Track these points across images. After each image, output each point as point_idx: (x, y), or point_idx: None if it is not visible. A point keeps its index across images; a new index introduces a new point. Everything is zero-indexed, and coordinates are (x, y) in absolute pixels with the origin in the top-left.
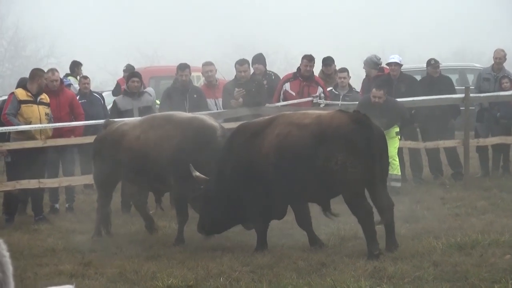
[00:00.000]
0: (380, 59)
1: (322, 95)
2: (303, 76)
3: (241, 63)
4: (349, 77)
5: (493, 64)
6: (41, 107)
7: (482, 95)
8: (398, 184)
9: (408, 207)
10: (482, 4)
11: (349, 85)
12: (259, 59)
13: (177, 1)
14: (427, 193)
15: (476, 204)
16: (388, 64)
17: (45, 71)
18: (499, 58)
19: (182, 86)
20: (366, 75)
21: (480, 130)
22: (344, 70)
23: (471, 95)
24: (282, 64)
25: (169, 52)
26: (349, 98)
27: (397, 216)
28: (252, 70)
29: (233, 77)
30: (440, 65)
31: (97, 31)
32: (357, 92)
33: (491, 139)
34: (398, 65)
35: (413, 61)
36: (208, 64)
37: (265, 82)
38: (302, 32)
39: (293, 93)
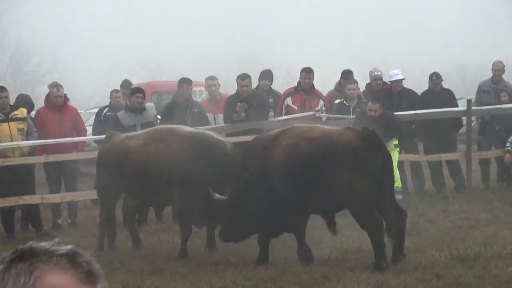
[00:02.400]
0: (380, 72)
1: (324, 108)
2: (304, 89)
3: (243, 77)
4: (359, 89)
5: (492, 77)
6: (13, 123)
7: (483, 108)
8: (400, 197)
9: (411, 220)
10: (482, 17)
11: (359, 97)
12: (267, 75)
13: (180, 16)
14: (429, 206)
15: (478, 217)
16: (391, 81)
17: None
18: (498, 70)
19: (183, 101)
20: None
21: (483, 143)
22: (353, 82)
23: (473, 108)
24: (285, 79)
25: (172, 67)
26: (359, 110)
27: None
28: (254, 85)
29: (235, 92)
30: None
31: (99, 46)
32: (367, 103)
33: (493, 152)
34: (400, 80)
35: (415, 74)
36: (211, 78)
37: (271, 99)
38: (304, 46)
39: (295, 107)
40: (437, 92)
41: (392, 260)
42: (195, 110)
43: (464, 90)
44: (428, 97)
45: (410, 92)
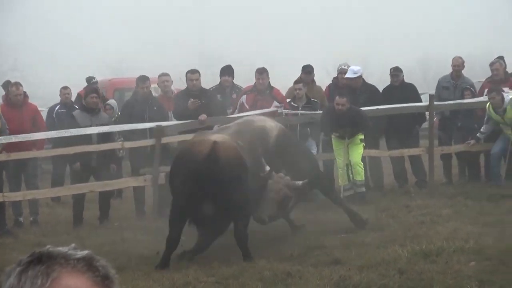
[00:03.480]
0: (347, 66)
1: (282, 108)
2: (258, 89)
3: (192, 71)
4: (305, 89)
5: (451, 72)
6: None
7: (446, 102)
8: (363, 189)
9: (373, 216)
10: (444, 11)
11: (307, 96)
12: (228, 70)
13: (142, 13)
14: (392, 201)
15: (441, 212)
16: (346, 78)
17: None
18: (458, 65)
19: (142, 98)
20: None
21: (443, 138)
22: (299, 81)
23: (435, 103)
24: (248, 74)
25: (135, 64)
26: (308, 109)
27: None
28: (216, 82)
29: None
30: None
31: (62, 43)
32: (316, 102)
33: (456, 146)
34: (356, 78)
35: (377, 70)
36: (164, 74)
37: (234, 95)
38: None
39: (247, 106)
40: (399, 87)
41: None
42: (155, 107)
43: (426, 85)
44: (390, 92)
45: (370, 88)
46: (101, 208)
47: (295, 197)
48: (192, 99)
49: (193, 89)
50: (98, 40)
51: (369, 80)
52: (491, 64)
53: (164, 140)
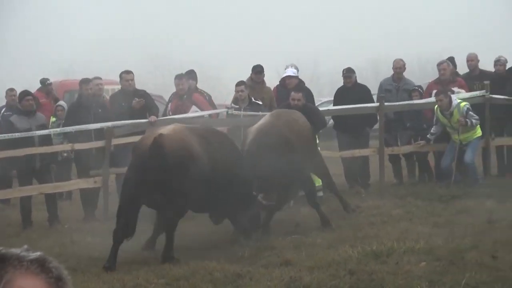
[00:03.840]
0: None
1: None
2: (179, 95)
3: (127, 72)
4: (247, 90)
5: (393, 74)
6: None
7: (396, 103)
8: (320, 194)
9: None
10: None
11: (249, 97)
12: (191, 75)
13: (94, 14)
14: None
15: (391, 212)
16: (283, 77)
17: None
18: (399, 68)
19: (86, 101)
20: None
21: (389, 140)
22: (241, 83)
23: (385, 104)
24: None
25: (85, 65)
26: (250, 111)
27: (312, 226)
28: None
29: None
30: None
31: (13, 44)
32: (259, 103)
33: (406, 147)
34: (293, 77)
35: (328, 71)
36: (127, 72)
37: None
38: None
39: (171, 113)
40: (352, 88)
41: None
42: (99, 109)
43: (377, 86)
44: (343, 93)
45: (362, 88)
46: (49, 210)
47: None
48: (137, 99)
49: (129, 89)
50: (49, 42)
51: (321, 80)
52: (439, 64)
53: (114, 141)
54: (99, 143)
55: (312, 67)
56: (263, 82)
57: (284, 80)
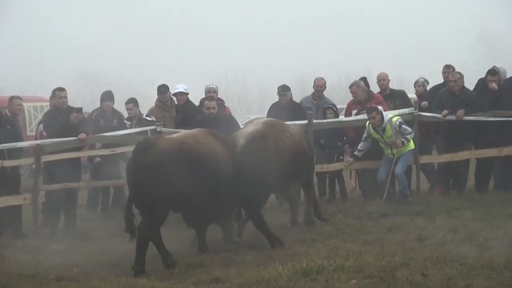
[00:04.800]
0: (215, 86)
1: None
2: None
3: (60, 89)
4: (138, 107)
5: (313, 93)
6: None
7: (325, 121)
8: None
9: (253, 234)
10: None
11: (140, 114)
12: (109, 96)
13: (20, 31)
14: (272, 219)
15: (321, 230)
16: (173, 94)
17: None
18: (320, 86)
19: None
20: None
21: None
22: (129, 101)
23: (314, 121)
24: (126, 93)
25: (12, 83)
26: (139, 126)
27: (242, 243)
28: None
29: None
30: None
31: None
32: (149, 119)
33: (335, 164)
34: (184, 94)
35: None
36: (60, 89)
37: (115, 120)
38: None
39: (45, 133)
40: (286, 105)
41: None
42: (8, 127)
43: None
44: (278, 110)
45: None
46: None
47: None
48: (74, 114)
49: (63, 107)
50: None
51: (248, 98)
52: (350, 87)
53: (44, 158)
54: (29, 160)
55: (241, 84)
56: (169, 101)
57: (204, 100)
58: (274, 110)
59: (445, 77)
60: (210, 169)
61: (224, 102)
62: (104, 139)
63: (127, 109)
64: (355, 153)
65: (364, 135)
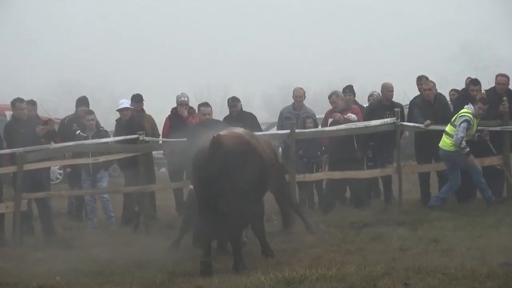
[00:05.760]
0: (186, 98)
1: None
2: None
3: (21, 101)
4: (96, 119)
5: (293, 103)
6: None
7: (307, 130)
8: None
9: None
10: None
11: (97, 125)
12: (83, 101)
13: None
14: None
15: (303, 239)
16: (118, 110)
17: None
18: (299, 96)
19: None
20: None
21: (287, 167)
22: (91, 112)
23: (296, 130)
24: (108, 101)
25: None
26: (97, 138)
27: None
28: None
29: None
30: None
31: None
32: (106, 131)
33: (317, 174)
34: (129, 109)
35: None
36: (32, 103)
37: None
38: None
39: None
40: (237, 116)
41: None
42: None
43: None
44: (229, 121)
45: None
46: None
47: None
48: (40, 126)
49: (23, 118)
50: None
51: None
52: (329, 97)
53: (26, 166)
54: (11, 168)
55: (223, 93)
56: (143, 110)
57: (176, 109)
58: (227, 122)
59: (419, 89)
60: (266, 163)
61: (195, 111)
62: (81, 147)
63: (87, 120)
64: (467, 149)
65: (463, 126)
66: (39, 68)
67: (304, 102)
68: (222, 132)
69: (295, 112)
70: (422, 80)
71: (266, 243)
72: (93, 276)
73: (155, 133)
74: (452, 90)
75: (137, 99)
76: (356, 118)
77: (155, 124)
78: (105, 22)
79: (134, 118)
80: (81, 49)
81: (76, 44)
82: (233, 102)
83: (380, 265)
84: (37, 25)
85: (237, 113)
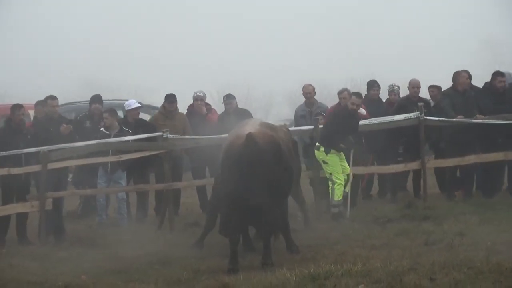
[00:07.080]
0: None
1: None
2: None
3: (52, 98)
4: (114, 118)
5: (305, 100)
6: None
7: (306, 128)
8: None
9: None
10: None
11: (119, 124)
12: (97, 99)
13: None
14: None
15: (328, 235)
16: (127, 110)
17: None
18: (309, 92)
19: (15, 125)
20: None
21: (308, 164)
22: (105, 111)
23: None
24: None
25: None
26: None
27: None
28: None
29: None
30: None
31: None
32: (128, 131)
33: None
34: (138, 108)
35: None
36: (52, 98)
37: (102, 123)
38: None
39: None
40: (233, 113)
41: None
42: (28, 136)
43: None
44: (224, 119)
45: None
46: None
47: None
48: (65, 125)
49: (54, 116)
50: None
51: (253, 105)
52: (340, 93)
53: (51, 165)
54: (35, 168)
55: (246, 91)
56: (175, 110)
57: (192, 107)
58: (222, 119)
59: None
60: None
61: (211, 106)
62: (106, 145)
63: (104, 118)
64: None
65: None
66: (60, 70)
67: (324, 98)
68: (253, 130)
69: (308, 109)
70: (435, 89)
71: (291, 239)
72: (118, 274)
73: (186, 133)
74: (431, 86)
75: (170, 99)
76: (365, 113)
77: (188, 124)
78: (124, 23)
79: (141, 119)
80: (102, 46)
81: (101, 45)
82: (228, 99)
83: (405, 260)
84: (59, 25)
85: (232, 109)
